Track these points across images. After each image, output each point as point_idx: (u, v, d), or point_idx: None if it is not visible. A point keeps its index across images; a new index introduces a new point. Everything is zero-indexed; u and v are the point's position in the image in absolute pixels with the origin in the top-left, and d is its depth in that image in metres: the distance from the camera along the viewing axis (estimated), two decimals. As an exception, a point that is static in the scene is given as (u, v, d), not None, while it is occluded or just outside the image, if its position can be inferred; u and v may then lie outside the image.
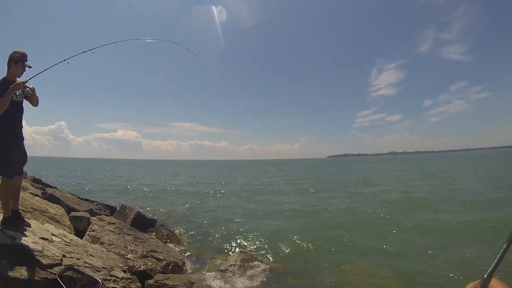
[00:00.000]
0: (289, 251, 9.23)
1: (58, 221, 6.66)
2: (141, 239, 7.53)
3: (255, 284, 6.77)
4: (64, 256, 4.59)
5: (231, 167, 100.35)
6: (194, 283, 5.61)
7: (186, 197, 21.86)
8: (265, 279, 7.11)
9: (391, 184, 28.05)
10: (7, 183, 4.83)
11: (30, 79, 4.92)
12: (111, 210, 11.14)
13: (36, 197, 7.94)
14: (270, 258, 8.74)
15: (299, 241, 10.08)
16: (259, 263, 7.85)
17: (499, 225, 10.98)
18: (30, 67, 4.97)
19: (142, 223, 9.75)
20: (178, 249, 8.97)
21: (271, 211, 16.08)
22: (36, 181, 12.44)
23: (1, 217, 4.91)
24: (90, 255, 5.20)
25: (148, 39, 7.27)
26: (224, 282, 6.36)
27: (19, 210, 5.19)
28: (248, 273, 7.22)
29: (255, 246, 9.79)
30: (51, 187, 10.98)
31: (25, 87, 4.86)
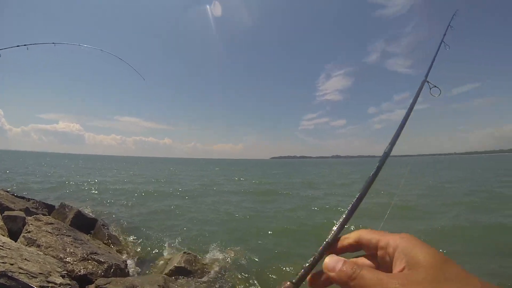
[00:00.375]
0: (228, 253, 9.19)
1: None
2: (81, 240, 7.15)
3: (200, 285, 6.70)
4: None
5: (174, 165, 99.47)
6: (137, 286, 5.39)
7: (128, 196, 21.31)
8: (210, 280, 7.06)
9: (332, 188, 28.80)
10: None
11: None
12: (49, 209, 10.50)
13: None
14: (213, 259, 8.71)
15: (236, 244, 10.07)
16: (203, 263, 7.77)
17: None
18: None
19: (83, 223, 9.29)
20: (120, 251, 8.66)
21: (211, 213, 16.10)
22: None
23: None
24: (25, 259, 4.82)
25: (89, 47, 7.04)
26: (168, 285, 6.20)
27: None
28: (193, 273, 7.15)
29: (198, 247, 9.66)
30: None
31: None
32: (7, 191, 10.78)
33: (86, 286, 5.24)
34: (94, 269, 5.99)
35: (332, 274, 0.61)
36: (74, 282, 5.11)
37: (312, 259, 0.74)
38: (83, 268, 5.84)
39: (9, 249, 4.86)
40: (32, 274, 4.45)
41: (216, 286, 6.84)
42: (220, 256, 8.87)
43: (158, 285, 5.53)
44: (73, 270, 5.67)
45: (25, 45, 5.68)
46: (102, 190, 23.89)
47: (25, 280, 4.23)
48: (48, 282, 4.56)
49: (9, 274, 4.12)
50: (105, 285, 5.28)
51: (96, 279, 5.57)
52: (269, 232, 11.83)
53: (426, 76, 1.28)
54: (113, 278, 5.78)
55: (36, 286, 4.18)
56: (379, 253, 0.62)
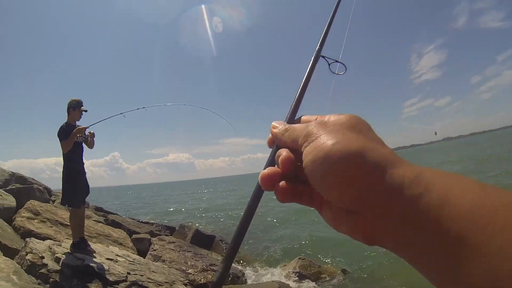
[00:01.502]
0: (348, 259, 9.19)
1: (121, 244, 7.24)
2: (201, 254, 7.92)
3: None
4: (128, 273, 5.09)
5: None
6: None
7: (240, 211, 22.16)
8: (325, 285, 7.21)
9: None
10: (76, 212, 5.55)
11: (90, 125, 5.82)
12: (171, 230, 11.68)
13: (100, 224, 8.62)
14: (330, 265, 8.83)
15: (355, 248, 9.96)
16: (319, 269, 8.01)
17: None
18: (86, 111, 6.00)
19: (201, 240, 10.15)
20: (237, 262, 9.27)
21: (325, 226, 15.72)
22: (98, 209, 13.25)
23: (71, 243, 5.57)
24: (153, 271, 5.63)
25: (174, 104, 7.80)
26: None
27: (85, 236, 5.81)
28: (308, 278, 7.37)
29: (314, 253, 9.94)
30: (112, 213, 11.70)
31: (84, 132, 5.70)
32: (134, 219, 12.10)
33: None
34: (213, 278, 6.56)
35: (274, 131, 0.58)
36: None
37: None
38: (203, 278, 6.50)
39: (139, 263, 5.73)
40: (158, 283, 5.22)
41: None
42: (333, 263, 9.00)
43: None
44: (194, 280, 6.36)
45: (121, 113, 6.54)
46: (214, 210, 25.21)
47: (153, 287, 4.94)
48: (173, 289, 5.24)
49: (139, 283, 4.87)
50: None
51: None
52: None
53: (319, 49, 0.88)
54: (231, 285, 6.33)
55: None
56: None
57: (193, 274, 6.68)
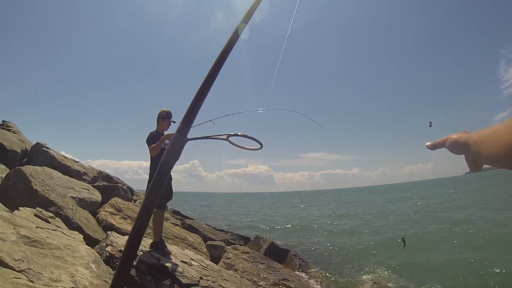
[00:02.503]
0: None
1: (196, 248, 7.50)
2: (274, 268, 7.96)
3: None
4: (201, 278, 5.26)
5: (363, 194, 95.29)
6: None
7: (317, 228, 21.92)
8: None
9: None
10: (159, 213, 5.90)
11: None
12: (245, 240, 11.81)
13: (177, 227, 9.02)
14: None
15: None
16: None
17: None
18: (174, 122, 6.38)
19: (275, 253, 10.14)
20: (310, 279, 9.24)
21: (412, 242, 14.54)
22: (176, 212, 13.80)
23: (151, 242, 5.92)
24: (225, 279, 5.78)
25: (264, 109, 7.83)
26: None
27: (163, 237, 6.14)
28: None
29: (389, 279, 9.56)
30: (190, 218, 12.11)
31: None
32: (209, 225, 12.48)
33: None
34: None
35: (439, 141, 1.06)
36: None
37: None
38: None
39: (212, 270, 5.92)
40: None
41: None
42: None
43: None
44: None
45: (210, 120, 6.74)
46: (291, 224, 25.12)
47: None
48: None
49: (210, 289, 5.06)
50: None
51: None
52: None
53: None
54: None
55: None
56: None
57: (264, 287, 6.74)
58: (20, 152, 9.61)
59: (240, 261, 7.60)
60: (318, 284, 8.91)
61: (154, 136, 5.98)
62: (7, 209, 5.16)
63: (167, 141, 5.93)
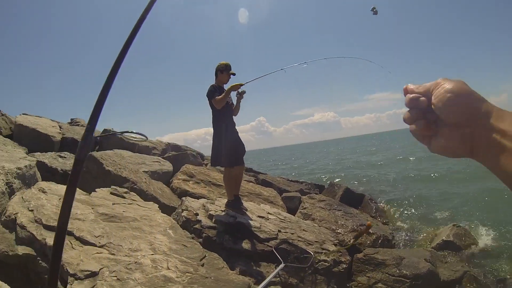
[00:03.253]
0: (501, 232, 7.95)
1: (272, 202, 7.45)
2: (351, 213, 7.78)
3: (470, 261, 6.38)
4: (279, 231, 5.20)
5: None
6: (404, 257, 5.56)
7: (388, 169, 21.37)
8: (480, 256, 6.63)
9: None
10: (229, 172, 5.80)
11: (247, 82, 5.82)
12: (320, 188, 11.62)
13: (250, 183, 9.00)
14: (489, 237, 7.73)
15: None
16: (474, 238, 7.32)
17: None
18: (234, 74, 5.96)
19: (351, 199, 9.91)
20: (387, 224, 9.01)
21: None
22: (248, 170, 13.93)
23: (225, 201, 5.89)
24: (303, 230, 5.69)
25: (335, 57, 7.30)
26: (435, 259, 6.14)
27: (239, 195, 6.07)
28: (463, 249, 6.82)
29: (470, 221, 8.97)
30: (262, 173, 12.11)
31: (239, 89, 5.75)
32: (283, 178, 12.41)
33: (355, 255, 5.73)
34: (363, 239, 6.46)
35: (410, 87, 0.77)
36: (345, 250, 5.70)
37: None
38: (353, 239, 6.37)
39: (289, 222, 5.85)
40: (308, 242, 5.27)
41: (486, 264, 6.36)
42: (492, 233, 7.94)
43: (425, 259, 5.57)
44: (344, 240, 6.30)
45: (282, 69, 6.33)
46: (362, 168, 24.70)
47: (303, 246, 5.05)
48: (322, 249, 5.30)
49: (290, 241, 4.99)
50: (373, 254, 5.65)
51: (365, 249, 6.01)
52: None
53: None
54: (380, 248, 6.13)
55: (312, 252, 4.92)
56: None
57: (343, 234, 6.50)
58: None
59: (316, 210, 7.48)
60: (395, 228, 8.66)
61: (216, 87, 5.78)
62: (85, 192, 5.37)
63: (232, 91, 5.74)
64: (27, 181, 5.43)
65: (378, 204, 10.82)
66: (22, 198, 4.56)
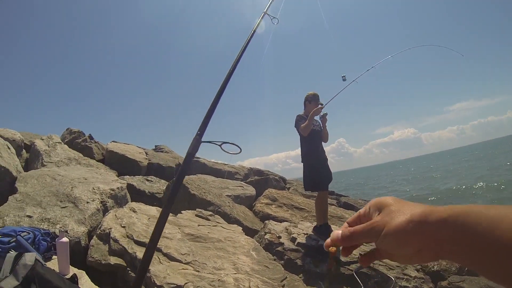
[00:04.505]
0: None
1: (353, 227, 7.36)
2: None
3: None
4: (360, 254, 5.12)
5: None
6: (494, 287, 5.26)
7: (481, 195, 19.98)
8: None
9: None
10: (321, 196, 5.87)
11: (326, 103, 5.95)
12: None
13: (332, 206, 8.95)
14: None
15: None
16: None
17: None
18: (322, 105, 6.04)
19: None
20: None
21: None
22: (330, 193, 13.85)
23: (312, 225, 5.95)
24: (386, 255, 5.57)
25: (415, 47, 7.15)
26: None
27: (328, 222, 6.09)
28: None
29: None
30: (344, 196, 11.96)
31: (320, 112, 5.89)
32: (365, 200, 12.10)
33: (439, 282, 5.50)
34: (448, 266, 6.17)
35: (338, 242, 0.75)
36: (428, 277, 5.51)
37: None
38: (437, 265, 6.10)
39: (371, 245, 5.70)
40: (390, 266, 5.18)
41: None
42: None
43: None
44: (427, 266, 6.04)
45: (354, 80, 6.31)
46: (442, 192, 23.34)
47: (384, 271, 4.98)
48: (404, 274, 5.17)
49: (371, 265, 4.94)
50: (458, 283, 5.37)
51: (450, 276, 5.75)
52: None
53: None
54: (467, 276, 5.83)
55: (393, 277, 4.84)
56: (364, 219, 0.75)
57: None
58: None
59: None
60: None
61: (302, 117, 5.95)
62: (171, 214, 5.73)
63: (316, 123, 5.88)
64: (119, 200, 5.95)
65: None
66: (116, 215, 5.01)
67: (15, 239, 3.25)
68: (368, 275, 4.83)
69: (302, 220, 6.95)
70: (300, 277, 4.46)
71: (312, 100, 6.04)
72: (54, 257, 3.43)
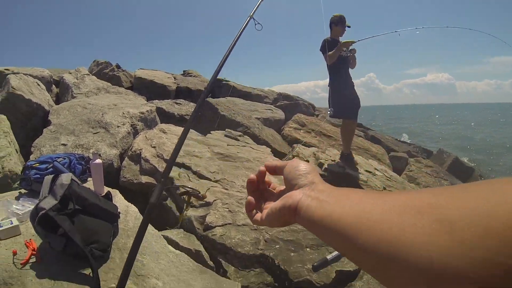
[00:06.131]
0: None
1: (379, 159, 7.28)
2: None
3: None
4: (384, 188, 5.15)
5: None
6: None
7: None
8: None
9: None
10: (350, 124, 5.82)
11: (359, 40, 5.70)
12: (428, 153, 11.00)
13: (360, 138, 8.88)
14: None
15: None
16: None
17: None
18: (349, 26, 5.81)
19: (459, 171, 9.32)
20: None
21: None
22: (358, 125, 13.73)
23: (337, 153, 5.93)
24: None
25: (452, 27, 6.65)
26: None
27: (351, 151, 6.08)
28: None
29: None
30: (371, 129, 11.79)
31: (349, 46, 5.64)
32: (392, 137, 11.96)
33: None
34: None
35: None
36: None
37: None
38: None
39: (395, 181, 5.79)
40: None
41: None
42: None
43: None
44: None
45: (396, 31, 6.03)
46: (477, 143, 22.85)
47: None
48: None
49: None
50: None
51: None
52: None
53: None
54: None
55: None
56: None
57: None
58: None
59: (422, 174, 7.25)
60: None
61: (329, 42, 5.66)
62: (200, 134, 5.80)
63: (344, 48, 5.62)
64: (149, 123, 6.05)
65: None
66: (146, 137, 5.11)
67: (52, 165, 3.36)
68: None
69: (329, 147, 6.94)
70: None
71: (338, 23, 5.75)
72: (89, 179, 3.53)
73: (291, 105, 10.52)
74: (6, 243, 2.37)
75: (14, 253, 2.25)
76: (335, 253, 3.38)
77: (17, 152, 4.25)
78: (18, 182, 3.27)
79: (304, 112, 9.95)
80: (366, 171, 5.59)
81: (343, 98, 5.67)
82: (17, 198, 3.00)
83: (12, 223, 2.45)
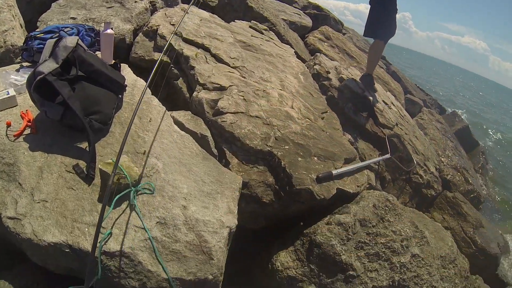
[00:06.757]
0: None
1: (395, 96, 6.99)
2: (460, 152, 7.37)
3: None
4: (396, 124, 4.99)
5: None
6: (483, 227, 5.22)
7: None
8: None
9: None
10: (377, 44, 5.40)
11: None
12: (441, 110, 10.79)
13: (381, 69, 8.54)
14: None
15: None
16: None
17: None
18: None
19: (465, 139, 9.29)
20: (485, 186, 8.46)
21: None
22: (382, 57, 13.20)
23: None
24: (416, 137, 5.45)
25: None
26: (506, 249, 5.88)
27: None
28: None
29: None
30: (394, 66, 11.30)
31: None
32: (411, 81, 11.54)
33: (446, 191, 5.56)
34: (460, 183, 6.04)
35: None
36: (440, 180, 5.57)
37: None
38: (451, 175, 5.99)
39: (407, 122, 5.67)
40: (416, 150, 5.12)
41: None
42: None
43: (498, 243, 5.35)
44: (443, 171, 5.96)
45: None
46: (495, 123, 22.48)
47: (410, 151, 4.93)
48: (424, 164, 5.16)
49: (401, 139, 4.88)
50: (461, 201, 5.43)
51: (456, 192, 5.72)
52: None
53: None
54: (469, 202, 5.78)
55: (416, 161, 4.83)
56: None
57: (445, 165, 6.21)
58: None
59: (432, 127, 7.15)
60: (491, 196, 8.18)
61: None
62: (224, 22, 5.53)
63: None
64: (169, 3, 5.69)
65: (488, 164, 10.11)
66: (165, 14, 4.85)
67: (57, 34, 3.11)
68: (396, 146, 4.75)
69: (351, 66, 6.63)
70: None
71: None
72: (97, 52, 3.30)
73: (321, 15, 9.80)
74: (1, 114, 2.25)
75: (8, 125, 2.15)
76: (341, 169, 3.35)
77: (21, 26, 3.91)
78: (21, 54, 3.06)
79: (332, 26, 9.42)
80: (383, 101, 5.40)
81: (385, 18, 5.23)
82: (18, 70, 2.84)
83: (8, 94, 2.32)
